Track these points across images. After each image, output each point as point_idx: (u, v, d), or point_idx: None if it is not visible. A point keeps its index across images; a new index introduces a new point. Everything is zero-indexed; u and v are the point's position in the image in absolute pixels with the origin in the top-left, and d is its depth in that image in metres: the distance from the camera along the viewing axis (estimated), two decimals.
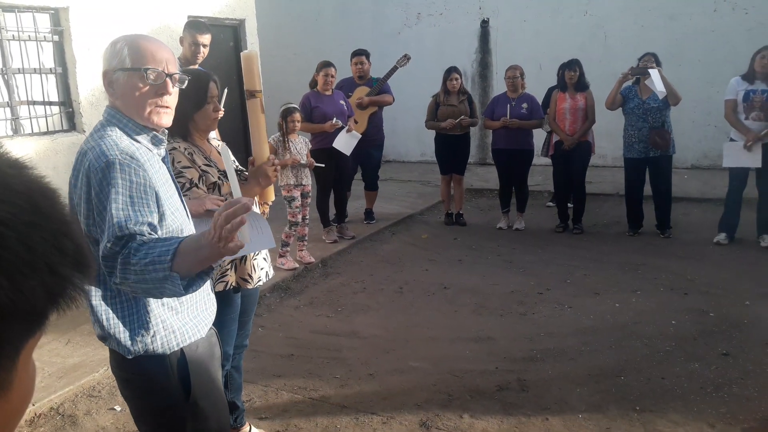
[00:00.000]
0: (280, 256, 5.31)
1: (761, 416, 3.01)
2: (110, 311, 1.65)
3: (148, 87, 1.65)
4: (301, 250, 5.48)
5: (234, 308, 2.68)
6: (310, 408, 3.25)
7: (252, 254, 2.70)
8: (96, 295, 1.64)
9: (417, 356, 3.81)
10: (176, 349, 1.72)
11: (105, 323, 1.66)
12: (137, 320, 1.66)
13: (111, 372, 1.81)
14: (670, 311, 4.31)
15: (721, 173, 7.17)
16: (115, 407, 3.29)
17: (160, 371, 1.70)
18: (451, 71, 6.60)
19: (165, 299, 1.65)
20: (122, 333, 1.65)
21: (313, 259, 5.48)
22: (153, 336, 1.67)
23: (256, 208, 2.71)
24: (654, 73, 5.75)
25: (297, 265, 5.34)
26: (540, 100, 6.78)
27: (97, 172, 1.55)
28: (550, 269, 5.32)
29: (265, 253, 2.81)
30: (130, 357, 1.67)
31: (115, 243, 1.49)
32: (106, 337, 1.68)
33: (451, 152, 6.72)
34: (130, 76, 1.64)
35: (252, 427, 3.02)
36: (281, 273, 5.12)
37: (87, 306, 1.66)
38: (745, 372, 3.45)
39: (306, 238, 5.52)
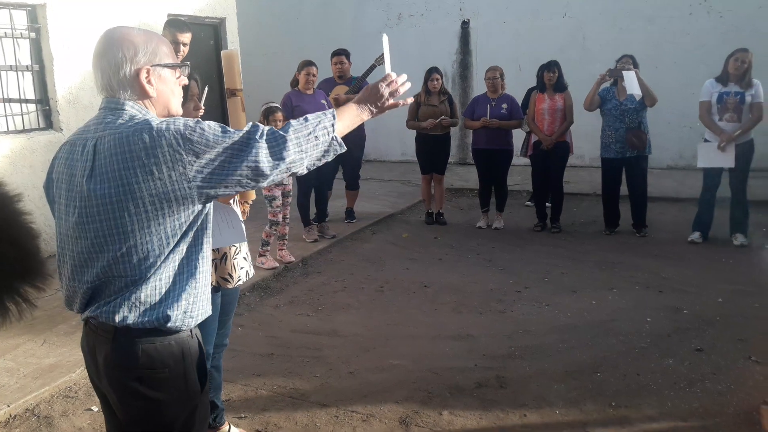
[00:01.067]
0: (260, 255, 5.30)
1: (733, 411, 3.08)
2: (163, 276, 1.59)
3: (177, 81, 1.73)
4: (282, 250, 5.48)
5: (214, 307, 2.66)
6: (290, 406, 3.25)
7: (232, 254, 2.70)
8: (136, 265, 1.57)
9: (397, 354, 3.83)
10: (199, 322, 1.70)
11: (151, 292, 1.58)
12: (186, 286, 1.63)
13: (114, 372, 1.64)
14: (646, 309, 4.39)
15: (696, 173, 7.29)
16: (92, 408, 3.26)
17: (188, 354, 1.67)
18: (431, 71, 6.64)
19: (201, 268, 1.66)
20: (173, 300, 1.60)
21: (293, 259, 5.48)
22: (192, 305, 1.65)
23: (236, 207, 2.71)
24: (630, 74, 5.85)
25: (277, 265, 5.34)
26: (519, 100, 6.85)
27: (178, 132, 1.53)
28: (529, 268, 5.38)
29: (245, 252, 2.81)
30: (170, 328, 1.61)
31: (265, 131, 1.59)
32: (146, 309, 1.58)
33: (432, 152, 6.76)
34: (172, 71, 1.70)
35: (231, 426, 3.01)
36: (261, 272, 5.12)
37: (120, 284, 1.58)
38: (718, 367, 3.52)
39: (286, 237, 5.52)
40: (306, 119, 1.65)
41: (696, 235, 5.93)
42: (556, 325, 4.20)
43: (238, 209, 2.74)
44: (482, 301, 4.67)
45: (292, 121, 1.64)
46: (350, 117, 1.77)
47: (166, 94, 1.69)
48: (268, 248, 5.35)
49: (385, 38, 1.98)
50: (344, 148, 1.70)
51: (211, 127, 1.56)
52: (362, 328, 4.24)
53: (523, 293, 4.79)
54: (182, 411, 1.69)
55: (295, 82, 5.96)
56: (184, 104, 2.46)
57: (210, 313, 1.77)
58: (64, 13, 5.80)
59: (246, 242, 2.81)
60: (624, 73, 5.90)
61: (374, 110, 1.81)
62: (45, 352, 3.80)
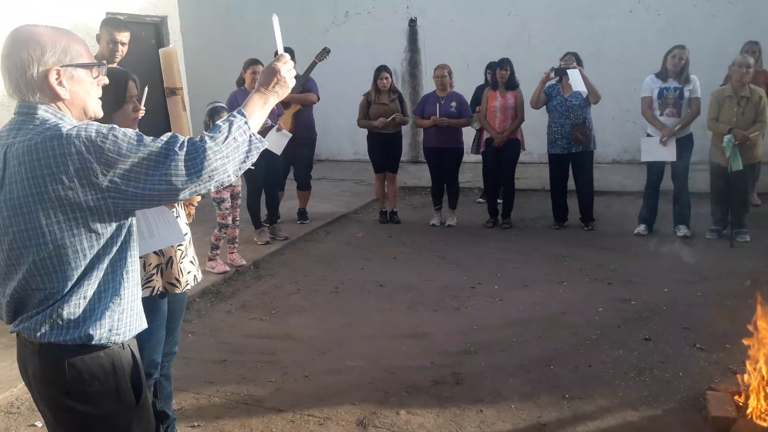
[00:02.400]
0: (210, 259, 5.17)
1: (680, 397, 3.18)
2: (84, 293, 1.53)
3: (95, 81, 1.64)
4: (232, 253, 5.36)
5: (161, 314, 2.58)
6: (245, 413, 3.18)
7: (178, 258, 2.61)
8: (58, 279, 1.51)
9: (353, 355, 3.80)
10: (127, 339, 1.64)
11: (73, 309, 1.52)
12: (110, 303, 1.58)
13: (41, 386, 1.61)
14: (595, 300, 4.48)
15: (640, 167, 7.51)
16: (35, 423, 3.11)
17: (119, 367, 1.62)
18: (381, 70, 6.63)
19: (126, 284, 1.61)
20: (95, 318, 1.55)
21: (244, 262, 5.37)
22: (117, 322, 1.59)
23: (181, 210, 2.63)
24: (574, 73, 5.97)
25: (228, 269, 5.22)
26: (468, 98, 6.90)
27: (89, 139, 1.45)
28: (482, 264, 5.42)
29: (192, 256, 2.73)
30: (95, 345, 1.56)
31: (185, 142, 1.52)
32: (68, 326, 1.53)
33: (384, 151, 6.75)
34: (87, 71, 1.61)
35: None
36: (211, 277, 4.99)
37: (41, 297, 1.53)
38: (666, 355, 3.63)
39: (237, 240, 5.40)
40: (218, 125, 1.59)
41: (642, 228, 6.10)
42: (509, 319, 4.24)
43: (182, 211, 2.65)
44: (437, 298, 4.68)
45: (204, 133, 1.57)
46: (257, 107, 1.70)
47: (80, 96, 1.60)
48: (218, 252, 5.23)
49: (275, 18, 1.94)
50: (264, 144, 1.65)
51: (127, 135, 1.48)
52: (317, 331, 4.18)
53: (477, 289, 4.83)
54: (117, 424, 1.64)
55: (241, 81, 5.84)
56: (121, 106, 2.37)
57: (145, 326, 1.72)
58: None
59: (192, 246, 2.73)
60: (569, 71, 6.02)
61: (278, 91, 1.76)
62: None
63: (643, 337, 3.88)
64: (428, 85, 9.45)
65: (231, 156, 1.56)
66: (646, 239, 5.96)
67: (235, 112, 1.63)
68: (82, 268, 1.52)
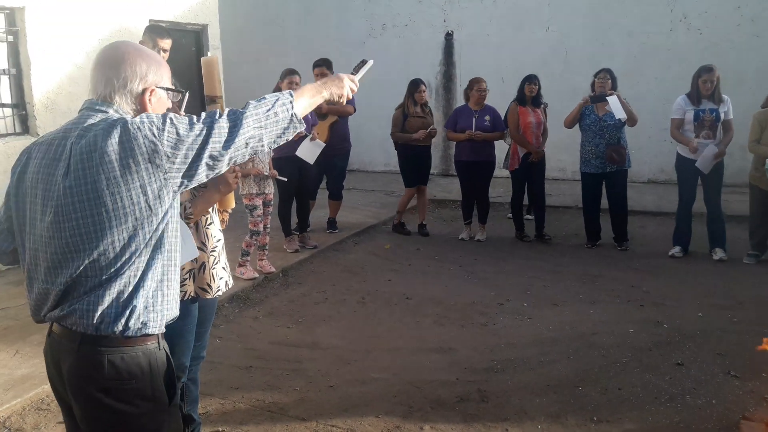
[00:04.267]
0: (240, 265, 5.23)
1: (712, 425, 3.09)
2: (135, 276, 1.58)
3: (169, 101, 1.80)
4: (262, 260, 5.41)
5: (191, 318, 2.61)
6: (269, 420, 3.19)
7: (211, 263, 2.65)
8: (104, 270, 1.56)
9: (378, 367, 3.79)
10: (162, 331, 1.68)
11: (123, 294, 1.57)
12: (158, 286, 1.63)
13: (78, 382, 1.61)
14: (627, 322, 4.40)
15: (675, 187, 7.37)
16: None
17: (155, 366, 1.65)
18: (418, 83, 6.67)
19: (173, 267, 1.67)
20: (145, 301, 1.60)
21: (273, 269, 5.42)
22: (161, 305, 1.65)
23: (215, 215, 2.67)
24: (613, 99, 5.91)
25: (257, 275, 5.27)
26: (502, 113, 6.88)
27: (154, 125, 1.56)
28: (510, 280, 5.37)
29: (224, 262, 2.76)
30: (136, 336, 1.60)
31: (225, 111, 1.63)
32: (116, 313, 1.57)
33: (418, 163, 6.77)
34: (168, 94, 1.77)
35: None
36: (240, 283, 5.05)
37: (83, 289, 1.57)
38: (698, 382, 3.53)
39: (267, 247, 5.45)
40: (264, 98, 1.68)
41: (676, 250, 5.97)
42: (537, 338, 4.18)
43: (216, 217, 2.69)
44: (464, 313, 4.64)
45: (251, 101, 1.67)
46: (308, 93, 1.82)
47: (157, 112, 1.72)
48: (248, 258, 5.28)
49: (370, 62, 2.16)
50: (303, 125, 1.74)
51: (178, 119, 1.59)
52: (343, 341, 4.19)
53: (505, 306, 4.78)
54: (149, 424, 1.66)
55: (277, 91, 5.91)
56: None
57: (177, 314, 1.75)
58: (43, 16, 5.70)
59: (224, 252, 2.76)
60: (608, 98, 5.95)
61: (332, 89, 1.87)
62: (17, 362, 3.69)
63: (675, 361, 3.79)
64: (461, 99, 9.44)
65: (269, 128, 1.66)
66: (681, 261, 5.84)
67: (285, 91, 1.73)
68: (140, 251, 1.58)
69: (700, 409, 3.25)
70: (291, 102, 1.69)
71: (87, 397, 1.61)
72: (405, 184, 6.94)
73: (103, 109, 1.63)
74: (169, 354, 1.73)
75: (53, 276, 1.59)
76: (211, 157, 1.58)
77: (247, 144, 1.62)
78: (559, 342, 4.10)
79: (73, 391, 1.63)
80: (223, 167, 1.62)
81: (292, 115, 1.69)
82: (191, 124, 1.58)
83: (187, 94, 2.65)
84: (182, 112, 2.59)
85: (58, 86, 5.84)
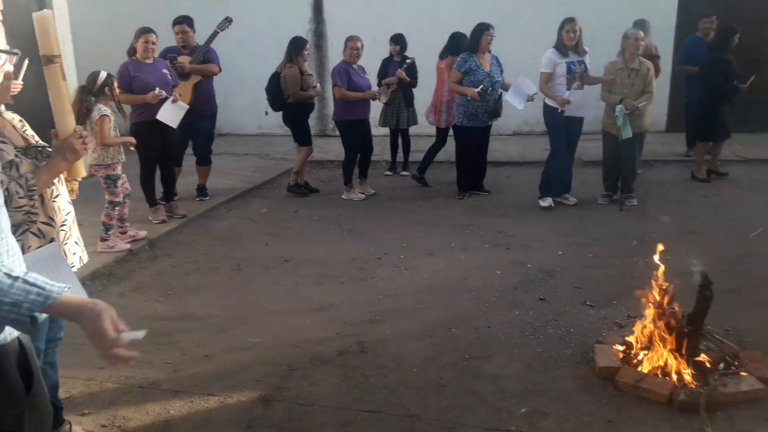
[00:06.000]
0: (103, 240, 4.88)
1: (571, 351, 3.34)
2: None
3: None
4: (124, 232, 5.11)
5: None
6: (140, 397, 3.04)
7: (62, 239, 2.44)
8: None
9: (256, 332, 3.72)
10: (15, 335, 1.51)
11: None
12: None
13: None
14: (495, 265, 4.63)
15: (538, 139, 7.81)
16: None
17: (4, 354, 1.48)
18: (304, 41, 6.59)
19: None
20: None
21: (145, 232, 5.16)
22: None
23: (62, 187, 2.45)
24: (527, 83, 6.19)
25: (129, 246, 4.97)
26: (374, 71, 6.88)
27: None
28: (389, 235, 5.46)
29: (76, 236, 2.56)
30: None
31: None
32: None
33: (306, 122, 6.72)
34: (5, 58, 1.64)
35: (72, 425, 2.76)
36: (102, 258, 4.72)
37: None
38: (558, 314, 3.80)
39: (126, 218, 5.14)
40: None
41: (549, 201, 6.14)
42: (414, 287, 4.30)
43: (64, 189, 2.47)
44: (343, 270, 4.66)
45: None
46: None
47: None
48: (112, 232, 4.94)
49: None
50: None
51: None
52: (218, 309, 4.06)
53: (383, 259, 4.85)
54: (6, 417, 1.51)
55: (132, 51, 5.50)
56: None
57: None
58: None
59: (76, 225, 2.56)
60: (521, 82, 6.20)
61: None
62: None
63: (538, 297, 4.05)
64: (334, 58, 9.31)
65: None
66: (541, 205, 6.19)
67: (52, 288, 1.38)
68: None
69: (560, 338, 3.50)
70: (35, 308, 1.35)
71: None
72: (302, 142, 6.77)
73: None
74: (21, 338, 1.56)
75: None
76: None
77: None
78: (434, 289, 4.24)
79: None
80: None
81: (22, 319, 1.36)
82: None
83: (27, 60, 2.37)
84: (20, 80, 2.32)
85: None
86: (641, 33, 5.96)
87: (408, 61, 7.05)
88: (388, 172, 7.74)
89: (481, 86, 6.06)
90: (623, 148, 5.94)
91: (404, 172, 7.66)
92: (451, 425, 2.74)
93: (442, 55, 7.04)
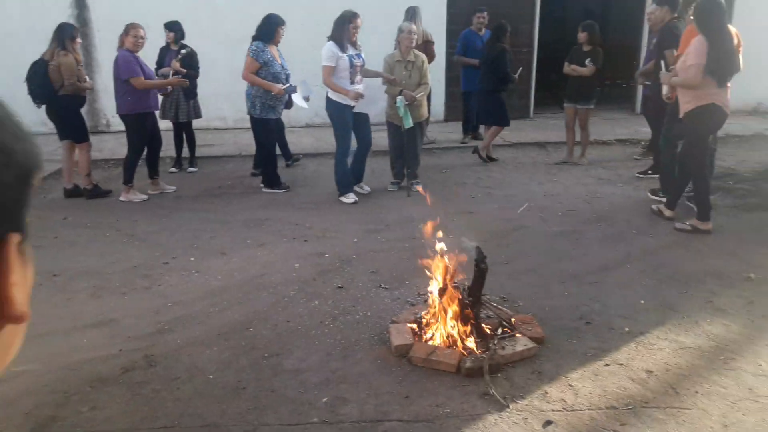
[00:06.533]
0: None
1: (368, 334, 3.41)
2: None
3: None
4: None
5: None
6: None
7: None
8: None
9: (22, 359, 3.18)
10: None
11: None
12: None
13: None
14: (293, 258, 4.57)
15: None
16: None
17: None
18: (72, 26, 6.10)
19: None
20: None
21: None
22: None
23: None
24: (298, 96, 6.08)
25: None
26: (150, 61, 6.40)
27: None
28: (176, 236, 5.11)
29: None
30: None
31: None
32: None
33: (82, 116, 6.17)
34: None
35: None
36: None
37: None
38: (356, 299, 3.86)
39: None
40: None
41: (352, 197, 6.14)
42: (206, 290, 4.06)
43: None
44: (125, 280, 4.24)
45: None
46: None
47: None
48: None
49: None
50: None
51: None
52: None
53: (171, 264, 4.52)
54: None
55: None
56: None
57: None
58: None
59: None
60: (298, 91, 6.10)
61: None
62: None
63: (336, 285, 4.08)
64: (102, 47, 8.48)
65: None
66: (335, 196, 6.28)
67: None
68: None
69: (358, 323, 3.56)
70: None
71: None
72: (80, 138, 6.15)
73: None
74: None
75: None
76: None
77: None
78: (229, 289, 4.05)
79: None
80: None
81: None
82: None
83: None
84: None
85: None
86: (414, 27, 6.31)
87: (183, 51, 6.68)
88: (174, 169, 7.27)
89: (289, 85, 6.06)
90: (406, 137, 6.26)
91: (191, 168, 7.26)
92: (251, 428, 2.62)
93: None
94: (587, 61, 7.00)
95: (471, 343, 3.11)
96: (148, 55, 6.71)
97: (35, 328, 3.53)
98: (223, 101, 8.73)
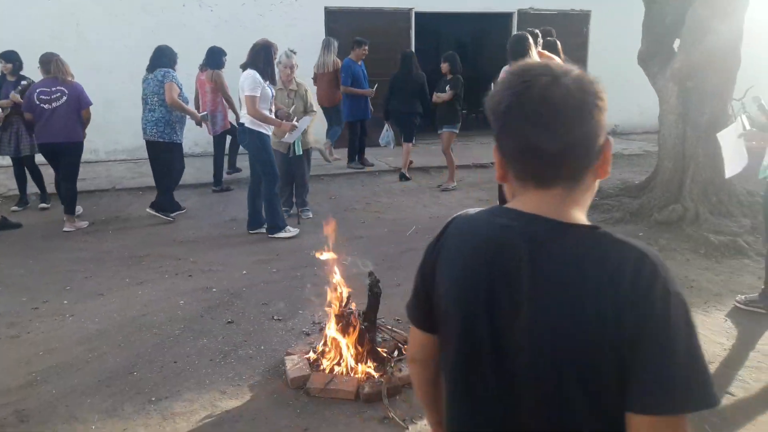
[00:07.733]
0: None
1: (263, 368, 3.31)
2: None
3: None
4: None
5: None
6: None
7: None
8: None
9: None
10: None
11: None
12: None
13: None
14: (177, 295, 4.35)
15: (210, 159, 7.69)
16: None
17: None
18: None
19: None
20: None
21: None
22: None
23: None
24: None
25: None
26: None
27: None
28: (45, 279, 4.70)
29: None
30: None
31: None
32: None
33: None
34: None
35: None
36: None
37: None
38: (248, 333, 3.74)
39: None
40: None
41: (291, 230, 5.82)
42: (83, 335, 3.76)
43: None
44: None
45: None
46: None
47: None
48: None
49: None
50: None
51: None
52: None
53: (41, 309, 4.15)
54: None
55: None
56: None
57: None
58: None
59: None
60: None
61: None
62: None
63: (226, 320, 3.93)
64: None
65: None
66: (226, 227, 6.09)
67: None
68: None
69: (251, 357, 3.44)
70: None
71: None
72: None
73: None
74: None
75: None
76: None
77: None
78: (108, 333, 3.78)
79: None
80: None
81: None
82: None
83: None
84: None
85: None
86: (294, 60, 6.28)
87: (23, 82, 6.28)
88: (16, 207, 6.69)
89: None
90: (295, 165, 6.21)
91: (42, 204, 6.73)
92: None
93: (202, 68, 7.30)
94: (447, 87, 7.38)
95: (369, 368, 3.11)
96: None
97: None
98: (93, 133, 8.20)
